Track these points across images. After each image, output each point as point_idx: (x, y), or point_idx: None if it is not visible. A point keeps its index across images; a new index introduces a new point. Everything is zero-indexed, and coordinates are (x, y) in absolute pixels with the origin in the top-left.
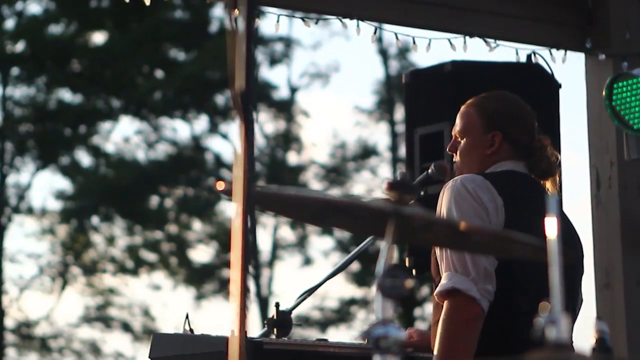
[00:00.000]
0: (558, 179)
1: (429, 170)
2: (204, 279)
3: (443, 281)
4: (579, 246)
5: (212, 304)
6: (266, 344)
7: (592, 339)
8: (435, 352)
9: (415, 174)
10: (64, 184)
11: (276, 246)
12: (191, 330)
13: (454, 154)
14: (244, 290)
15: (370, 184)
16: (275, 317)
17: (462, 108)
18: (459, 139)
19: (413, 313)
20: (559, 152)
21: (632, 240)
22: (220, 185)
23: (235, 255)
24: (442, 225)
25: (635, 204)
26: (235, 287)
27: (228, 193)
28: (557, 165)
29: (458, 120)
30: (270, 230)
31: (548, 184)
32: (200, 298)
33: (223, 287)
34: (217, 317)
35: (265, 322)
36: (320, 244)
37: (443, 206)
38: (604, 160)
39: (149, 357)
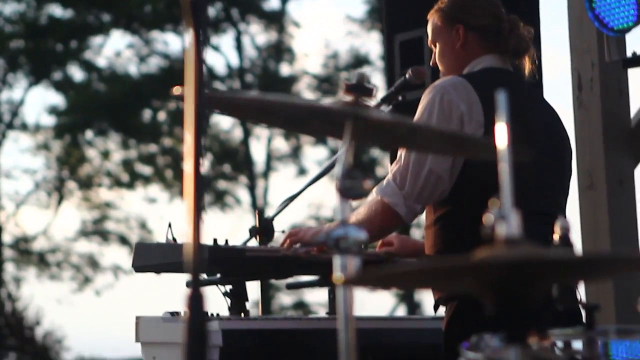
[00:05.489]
0: (534, 53)
1: (407, 76)
2: None
3: (382, 182)
4: (566, 136)
5: (208, 215)
6: (248, 251)
7: (556, 235)
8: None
9: (395, 79)
10: (57, 99)
11: (270, 157)
12: (174, 239)
13: (437, 65)
14: (198, 208)
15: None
16: (257, 224)
17: (427, 18)
18: (435, 49)
19: None
20: (540, 51)
21: (614, 141)
22: (177, 90)
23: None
24: (397, 125)
25: (616, 105)
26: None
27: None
28: (530, 41)
29: (428, 31)
30: (264, 141)
31: (526, 64)
32: None
33: (218, 198)
34: (212, 228)
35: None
36: (314, 154)
37: (419, 110)
38: (585, 62)
39: (132, 266)
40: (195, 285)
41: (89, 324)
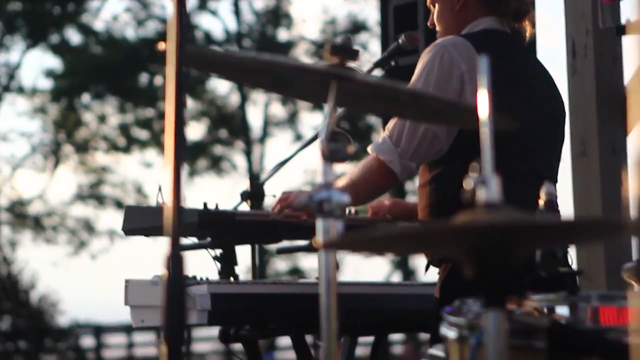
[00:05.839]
0: (534, 16)
1: (400, 41)
2: (196, 156)
3: (378, 140)
4: (561, 100)
5: (205, 180)
6: (238, 215)
7: (541, 201)
8: (341, 184)
9: (389, 44)
10: (54, 62)
11: (267, 123)
12: (165, 202)
13: (435, 26)
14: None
15: (361, 60)
16: (248, 189)
17: None
18: (433, 9)
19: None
20: (534, 17)
21: (608, 108)
22: (162, 46)
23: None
24: (381, 89)
25: (610, 73)
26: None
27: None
28: (530, 4)
29: None
30: (261, 106)
31: (526, 27)
32: (192, 174)
33: (214, 163)
34: (208, 193)
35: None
36: (311, 119)
37: (417, 68)
38: (579, 28)
39: (122, 229)
40: (174, 247)
41: (84, 288)
